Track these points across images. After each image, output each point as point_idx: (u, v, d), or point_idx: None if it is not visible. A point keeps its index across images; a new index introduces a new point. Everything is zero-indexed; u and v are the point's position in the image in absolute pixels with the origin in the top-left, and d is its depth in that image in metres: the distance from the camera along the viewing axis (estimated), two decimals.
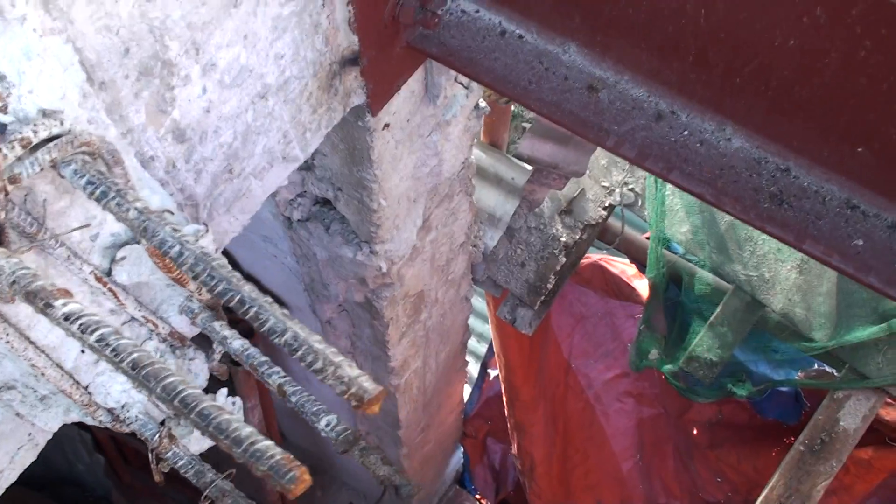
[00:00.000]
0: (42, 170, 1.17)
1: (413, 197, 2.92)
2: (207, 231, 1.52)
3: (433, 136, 2.75)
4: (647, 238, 4.73)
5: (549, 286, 4.37)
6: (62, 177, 1.21)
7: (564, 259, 4.43)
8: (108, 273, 1.47)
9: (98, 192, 1.18)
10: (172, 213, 1.51)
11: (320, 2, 1.75)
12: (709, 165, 1.91)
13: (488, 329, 5.95)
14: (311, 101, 1.93)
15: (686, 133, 1.93)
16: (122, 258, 1.45)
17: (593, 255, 4.90)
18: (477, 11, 2.06)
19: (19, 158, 1.16)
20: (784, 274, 4.14)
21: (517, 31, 2.04)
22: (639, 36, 1.86)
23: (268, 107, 1.80)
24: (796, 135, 1.83)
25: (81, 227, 1.30)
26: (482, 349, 6.17)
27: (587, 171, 4.21)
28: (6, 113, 1.18)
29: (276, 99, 1.81)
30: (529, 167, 4.08)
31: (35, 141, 1.17)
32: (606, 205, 4.46)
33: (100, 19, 1.31)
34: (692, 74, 1.86)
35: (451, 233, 3.58)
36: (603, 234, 4.61)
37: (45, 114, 1.22)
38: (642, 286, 4.94)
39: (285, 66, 1.77)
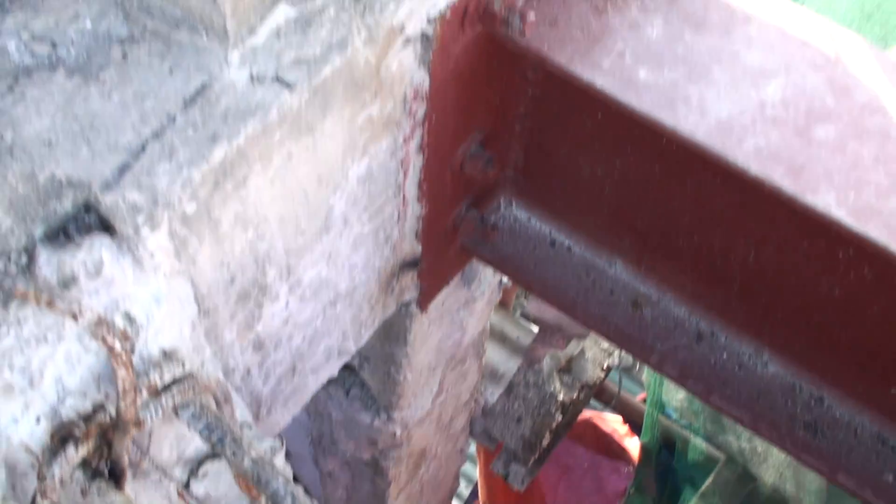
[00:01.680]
0: (164, 415, 1.23)
1: (433, 366, 2.99)
2: (282, 445, 1.57)
3: (461, 312, 2.83)
4: (642, 400, 4.80)
5: (545, 444, 4.40)
6: (178, 418, 1.27)
7: (561, 417, 4.48)
8: (187, 485, 1.51)
9: (214, 437, 1.23)
10: (251, 428, 1.56)
11: (395, 218, 1.84)
12: (746, 389, 2.00)
13: (471, 469, 5.93)
14: (370, 302, 2.01)
15: (725, 356, 2.02)
16: (205, 474, 1.49)
17: (586, 412, 4.96)
18: (529, 220, 2.17)
19: (144, 403, 1.21)
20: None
21: (566, 243, 2.14)
22: (686, 262, 1.96)
23: (335, 312, 1.87)
24: (832, 368, 1.93)
25: (178, 460, 1.35)
26: (465, 490, 6.14)
27: (589, 332, 4.30)
28: (133, 355, 1.24)
29: (343, 304, 1.88)
30: (535, 327, 4.17)
31: (160, 386, 1.23)
32: (605, 366, 4.54)
33: (217, 257, 1.39)
34: (734, 302, 1.97)
35: (459, 393, 3.63)
36: (599, 394, 4.68)
37: (166, 355, 1.28)
38: (632, 445, 4.98)
39: (356, 275, 1.86)
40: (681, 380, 2.03)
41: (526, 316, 4.18)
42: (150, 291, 1.27)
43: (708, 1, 1.62)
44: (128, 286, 1.24)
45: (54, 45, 1.33)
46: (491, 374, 4.29)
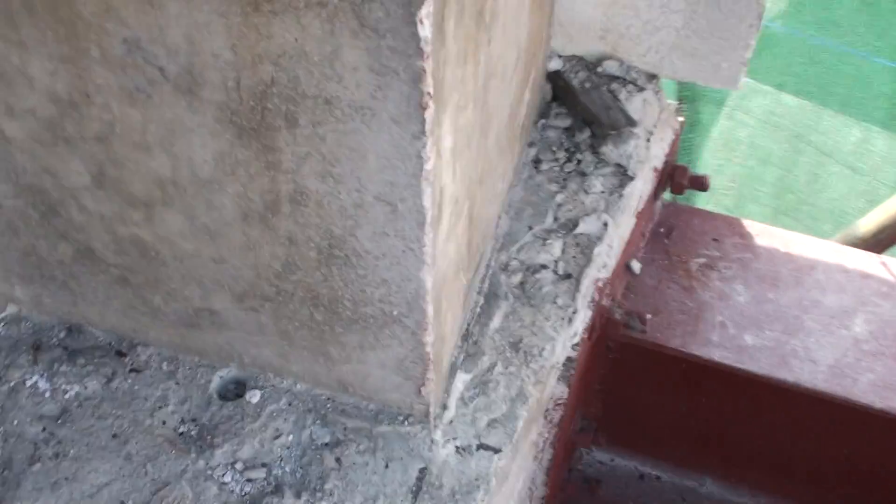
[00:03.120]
0: None
1: None
2: None
3: None
4: None
5: None
6: None
7: None
8: None
9: None
10: None
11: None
12: None
13: None
14: None
15: None
16: None
17: None
18: (612, 460, 2.30)
19: None
20: None
21: (653, 473, 2.28)
22: (777, 470, 2.12)
23: None
24: None
25: None
26: None
27: None
28: None
29: None
30: None
31: None
32: None
33: None
34: (824, 495, 2.13)
35: None
36: None
37: None
38: None
39: None
40: None
41: None
42: None
43: (773, 258, 1.84)
44: None
45: (268, 467, 1.40)
46: None
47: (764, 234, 1.89)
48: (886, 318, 1.76)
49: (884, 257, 1.85)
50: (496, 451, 1.43)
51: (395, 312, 1.27)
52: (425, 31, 0.91)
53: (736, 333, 1.74)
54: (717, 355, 1.71)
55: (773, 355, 1.71)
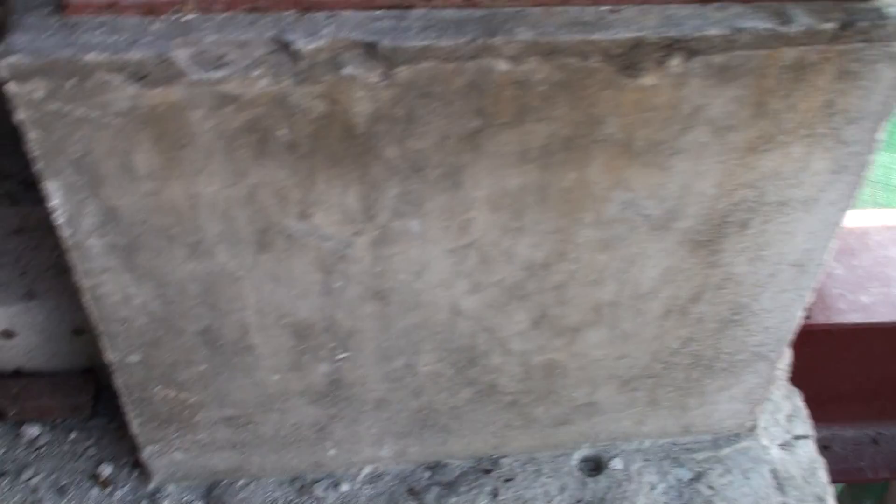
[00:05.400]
0: None
1: None
2: None
3: None
4: None
5: None
6: None
7: None
8: None
9: None
10: None
11: None
12: None
13: None
14: None
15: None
16: None
17: None
18: None
19: None
20: None
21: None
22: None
23: None
24: None
25: None
26: None
27: None
28: None
29: None
30: None
31: None
32: None
33: None
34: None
35: None
36: None
37: None
38: None
39: None
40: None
41: None
42: None
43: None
44: None
45: None
46: None
47: None
48: None
49: None
50: (806, 436, 1.82)
51: (764, 351, 1.62)
52: (881, 135, 1.29)
53: (854, 298, 2.24)
54: (854, 318, 2.20)
55: (886, 304, 2.23)
